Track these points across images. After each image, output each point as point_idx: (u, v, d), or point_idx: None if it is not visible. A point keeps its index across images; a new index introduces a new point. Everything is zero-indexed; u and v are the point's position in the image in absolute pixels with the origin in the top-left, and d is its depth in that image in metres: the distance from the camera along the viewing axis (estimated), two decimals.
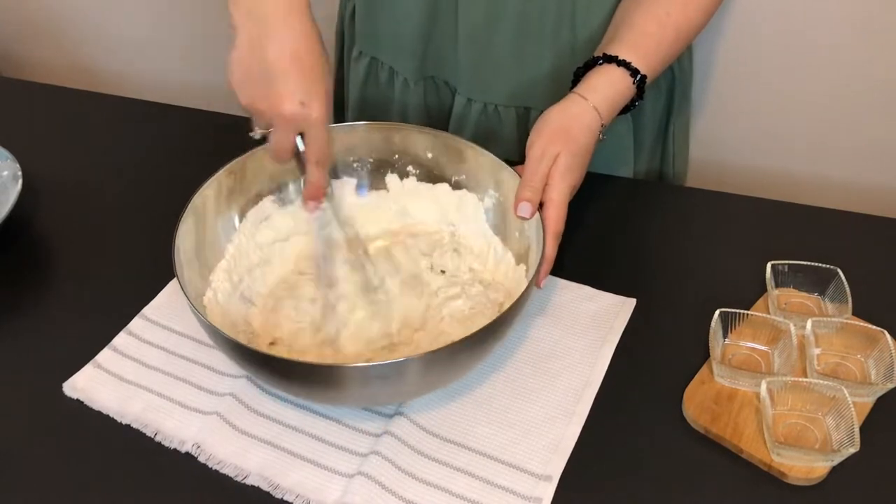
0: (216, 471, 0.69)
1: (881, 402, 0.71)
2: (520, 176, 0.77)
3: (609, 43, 0.83)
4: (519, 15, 0.91)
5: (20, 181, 0.90)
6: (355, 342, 0.76)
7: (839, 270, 0.78)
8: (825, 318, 0.75)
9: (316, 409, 0.73)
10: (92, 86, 1.38)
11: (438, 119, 1.05)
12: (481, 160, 0.82)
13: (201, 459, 0.70)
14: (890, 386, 0.70)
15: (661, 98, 1.02)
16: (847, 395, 0.67)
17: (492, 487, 0.67)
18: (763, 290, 0.80)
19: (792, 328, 0.73)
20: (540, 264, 0.72)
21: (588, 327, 0.79)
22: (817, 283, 0.79)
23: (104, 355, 0.77)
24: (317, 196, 0.75)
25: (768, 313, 0.77)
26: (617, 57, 0.80)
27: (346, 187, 0.88)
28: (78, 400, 0.74)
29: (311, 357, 0.74)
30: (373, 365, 0.64)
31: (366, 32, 1.04)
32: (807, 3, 1.08)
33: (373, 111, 1.08)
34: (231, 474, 0.68)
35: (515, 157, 0.80)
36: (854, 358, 0.74)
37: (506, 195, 0.80)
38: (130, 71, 1.61)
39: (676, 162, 1.08)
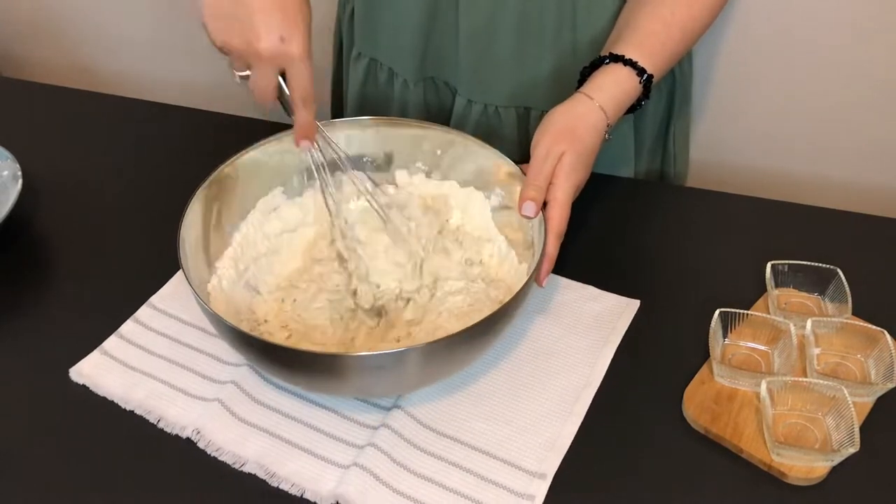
0: (214, 458, 0.69)
1: (881, 402, 0.71)
2: (524, 175, 0.77)
3: (614, 43, 0.83)
4: (519, 15, 0.91)
5: (20, 181, 0.90)
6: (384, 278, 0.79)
7: (839, 270, 0.78)
8: (825, 318, 0.75)
9: (315, 399, 0.73)
10: (92, 86, 1.38)
11: (438, 120, 1.05)
12: (489, 158, 0.82)
13: (200, 445, 0.70)
14: (890, 386, 0.70)
15: (662, 99, 1.02)
16: (847, 395, 0.67)
17: (486, 483, 0.67)
18: (763, 290, 0.80)
19: (792, 328, 0.73)
20: (540, 262, 0.72)
21: (590, 327, 0.79)
22: (817, 283, 0.79)
23: (111, 342, 0.79)
24: (308, 135, 0.75)
25: (768, 313, 0.77)
26: (623, 56, 0.80)
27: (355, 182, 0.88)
28: (80, 394, 0.74)
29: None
30: (372, 354, 0.64)
31: (365, 33, 1.04)
32: (807, 3, 1.08)
33: (372, 112, 1.08)
34: (229, 461, 0.69)
35: (515, 158, 0.80)
36: (854, 358, 0.74)
37: (512, 194, 0.80)
38: (130, 71, 1.61)
39: (677, 162, 1.08)
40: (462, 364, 0.71)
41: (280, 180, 0.86)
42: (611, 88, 0.80)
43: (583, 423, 0.71)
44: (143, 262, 0.87)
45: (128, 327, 0.80)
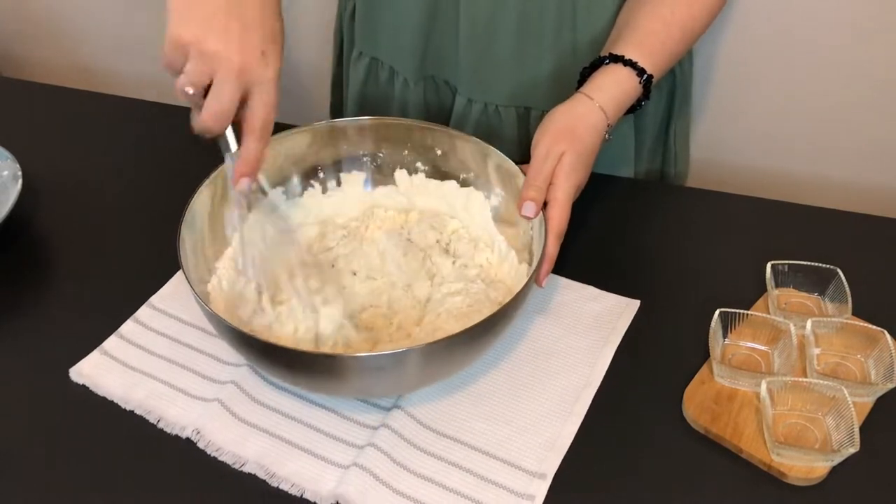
0: (214, 458, 0.69)
1: (881, 402, 0.71)
2: (524, 175, 0.77)
3: (614, 43, 0.83)
4: (519, 15, 0.91)
5: (20, 181, 0.90)
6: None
7: (839, 270, 0.78)
8: (825, 318, 0.75)
9: (315, 399, 0.73)
10: (92, 86, 1.38)
11: (438, 119, 1.05)
12: (489, 158, 0.82)
13: (200, 445, 0.70)
14: (890, 386, 0.70)
15: (662, 99, 1.02)
16: (847, 395, 0.67)
17: (486, 483, 0.67)
18: (763, 290, 0.80)
19: (792, 328, 0.73)
20: (541, 263, 0.72)
21: (590, 327, 0.79)
22: (817, 283, 0.79)
23: (111, 342, 0.79)
24: (251, 172, 0.66)
25: (768, 313, 0.77)
26: (623, 56, 0.80)
27: (354, 182, 0.88)
28: (80, 394, 0.74)
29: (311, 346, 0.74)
30: (371, 355, 0.64)
31: (365, 32, 1.04)
32: (807, 3, 1.08)
33: (373, 111, 1.08)
34: (229, 462, 0.69)
35: (515, 158, 0.80)
36: (854, 358, 0.74)
37: (512, 194, 0.80)
38: (130, 71, 1.61)
39: (677, 162, 1.08)
40: (462, 364, 0.71)
41: (280, 180, 0.86)
42: (611, 89, 0.80)
43: (583, 423, 0.71)
44: (143, 262, 0.87)
45: (128, 327, 0.80)
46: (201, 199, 0.77)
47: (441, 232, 0.85)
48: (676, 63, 0.90)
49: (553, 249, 0.73)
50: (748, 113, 1.21)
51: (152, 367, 0.76)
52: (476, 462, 0.68)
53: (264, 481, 0.68)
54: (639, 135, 1.03)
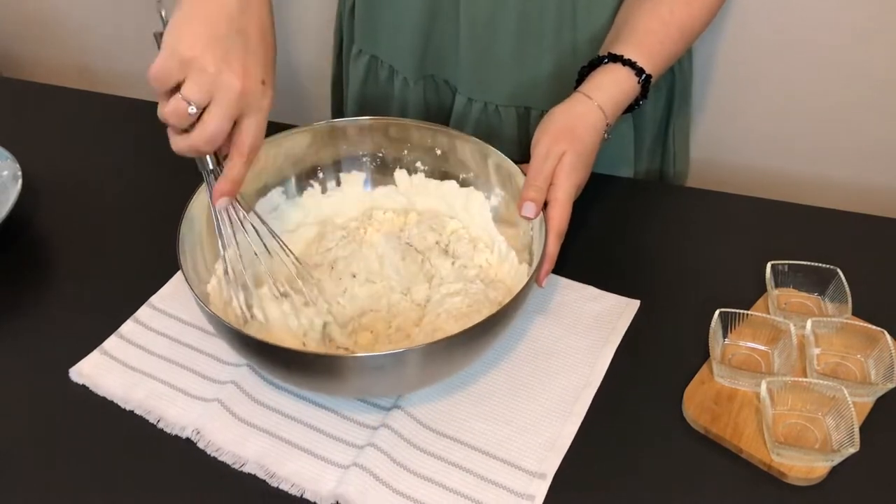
0: (214, 458, 0.69)
1: (881, 402, 0.71)
2: (524, 175, 0.77)
3: (613, 42, 0.83)
4: (520, 15, 0.91)
5: (20, 181, 0.90)
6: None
7: (839, 270, 0.78)
8: (825, 318, 0.75)
9: (315, 399, 0.73)
10: (92, 86, 1.38)
11: (438, 118, 1.05)
12: (489, 158, 0.82)
13: (200, 445, 0.70)
14: (890, 386, 0.70)
15: (662, 98, 1.02)
16: (847, 395, 0.67)
17: (486, 483, 0.67)
18: (763, 290, 0.80)
19: (792, 328, 0.73)
20: (541, 262, 0.72)
21: (590, 327, 0.79)
22: (817, 283, 0.79)
23: (111, 342, 0.79)
24: (232, 192, 0.66)
25: (768, 313, 0.77)
26: (622, 56, 0.80)
27: (354, 182, 0.88)
28: (80, 394, 0.74)
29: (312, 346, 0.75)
30: (371, 355, 0.64)
31: (365, 30, 1.04)
32: (807, 3, 1.08)
33: (372, 110, 1.08)
34: (229, 462, 0.69)
35: (515, 158, 0.80)
36: (854, 358, 0.74)
37: (512, 194, 0.80)
38: (130, 71, 1.61)
39: (677, 162, 1.08)
40: (462, 365, 0.71)
41: (279, 180, 0.86)
42: (609, 88, 0.80)
43: (583, 423, 0.71)
44: (143, 262, 0.87)
45: (128, 327, 0.80)
46: (201, 200, 0.77)
47: (440, 233, 0.85)
48: (675, 62, 0.90)
49: (553, 249, 0.73)
50: (748, 112, 1.21)
51: (152, 367, 0.76)
52: (476, 462, 0.68)
53: (264, 481, 0.68)
54: (638, 134, 1.03)
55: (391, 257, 0.81)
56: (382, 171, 0.88)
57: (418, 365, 0.66)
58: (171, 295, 0.83)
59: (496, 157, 0.81)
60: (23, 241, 0.90)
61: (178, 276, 0.84)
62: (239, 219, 0.71)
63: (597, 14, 0.91)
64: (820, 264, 0.79)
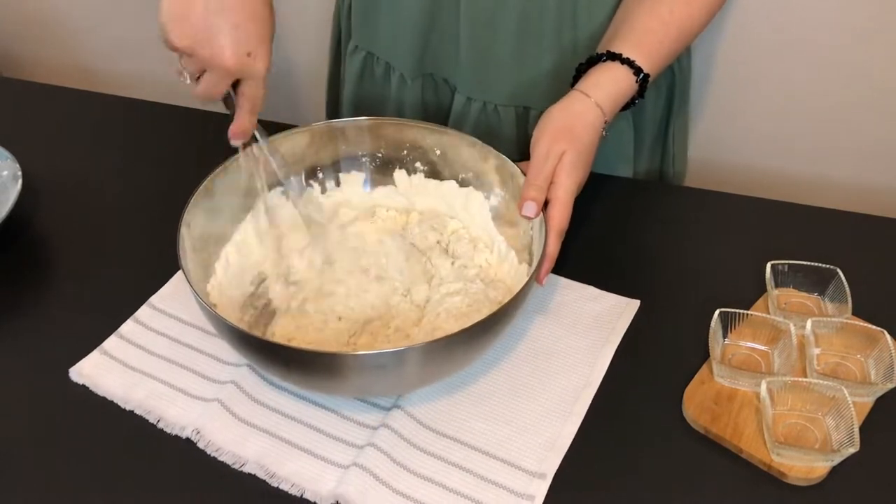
0: (214, 458, 0.69)
1: (881, 402, 0.71)
2: (524, 174, 0.77)
3: (611, 40, 0.83)
4: (520, 14, 0.91)
5: (20, 181, 0.90)
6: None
7: (839, 270, 0.78)
8: (825, 318, 0.75)
9: (315, 399, 0.73)
10: (92, 86, 1.38)
11: (436, 117, 1.05)
12: (489, 158, 0.82)
13: (200, 445, 0.70)
14: (890, 386, 0.70)
15: (661, 97, 1.02)
16: (847, 395, 0.67)
17: (486, 483, 0.67)
18: (763, 290, 0.80)
19: (792, 328, 0.73)
20: (541, 261, 0.72)
21: (590, 327, 0.79)
22: (817, 283, 0.79)
23: (111, 342, 0.79)
24: (243, 136, 0.76)
25: (768, 313, 0.77)
26: (620, 55, 0.80)
27: (353, 182, 0.88)
28: (80, 394, 0.74)
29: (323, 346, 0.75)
30: (371, 354, 0.64)
31: (363, 27, 1.04)
32: (806, 3, 1.08)
33: (368, 108, 1.08)
34: (229, 462, 0.69)
35: (514, 157, 0.80)
36: (854, 358, 0.74)
37: (512, 194, 0.80)
38: (130, 71, 1.61)
39: (676, 161, 1.08)
40: (462, 364, 0.71)
41: (278, 181, 0.86)
42: (607, 86, 0.80)
43: (583, 423, 0.71)
44: (143, 262, 0.87)
45: (128, 327, 0.80)
46: (201, 199, 0.77)
47: (441, 233, 0.85)
48: (674, 61, 0.90)
49: (554, 248, 0.73)
50: (747, 112, 1.21)
51: (152, 367, 0.76)
52: (476, 462, 0.68)
53: (264, 481, 0.68)
54: (638, 134, 1.03)
55: (395, 257, 0.81)
56: (382, 172, 0.88)
57: (418, 363, 0.66)
58: (171, 295, 0.83)
59: (496, 156, 0.81)
60: (23, 241, 0.91)
61: (178, 276, 0.84)
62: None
63: (597, 14, 0.91)
64: (820, 264, 0.79)
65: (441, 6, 0.95)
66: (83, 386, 0.75)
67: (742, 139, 1.24)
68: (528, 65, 0.95)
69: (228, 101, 0.73)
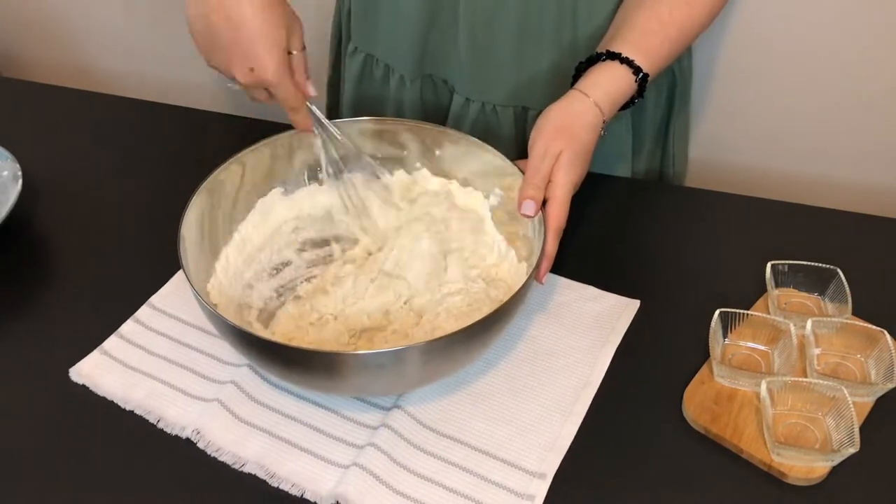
0: (214, 458, 0.70)
1: (881, 402, 0.71)
2: (522, 172, 0.77)
3: (611, 40, 0.83)
4: (520, 15, 0.91)
5: (20, 181, 0.90)
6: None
7: (839, 270, 0.78)
8: (825, 318, 0.75)
9: (315, 399, 0.73)
10: (92, 86, 1.38)
11: (435, 118, 1.05)
12: (489, 158, 0.82)
13: (200, 445, 0.70)
14: (890, 386, 0.70)
15: (662, 98, 1.02)
16: (847, 395, 0.67)
17: (486, 483, 0.67)
18: (763, 290, 0.80)
19: (792, 328, 0.73)
20: (540, 260, 0.72)
21: (590, 327, 0.79)
22: (817, 283, 0.79)
23: (111, 342, 0.79)
24: (306, 130, 0.82)
25: (768, 313, 0.77)
26: (620, 54, 0.80)
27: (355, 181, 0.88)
28: (80, 394, 0.74)
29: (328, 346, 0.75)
30: (371, 353, 0.64)
31: (362, 29, 1.04)
32: (807, 3, 1.08)
33: (368, 109, 1.08)
34: (229, 462, 0.69)
35: (512, 158, 0.80)
36: (854, 358, 0.74)
37: (511, 193, 0.80)
38: (130, 71, 1.61)
39: (676, 161, 1.08)
40: (462, 363, 0.71)
41: (279, 180, 0.86)
42: (606, 85, 0.80)
43: (583, 423, 0.71)
44: (143, 262, 0.87)
45: (128, 327, 0.80)
46: (201, 199, 0.77)
47: (444, 234, 0.85)
48: (674, 62, 0.90)
49: (552, 246, 0.73)
50: (747, 112, 1.21)
51: (152, 367, 0.76)
52: (476, 462, 0.68)
53: (264, 481, 0.68)
54: (638, 134, 1.03)
55: (420, 263, 0.80)
56: (382, 172, 0.88)
57: (418, 363, 0.66)
58: (171, 295, 0.83)
59: (495, 156, 0.81)
60: (23, 241, 0.91)
61: (178, 275, 0.84)
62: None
63: (597, 14, 0.91)
64: (820, 264, 0.79)
65: (440, 7, 0.95)
66: (83, 386, 0.75)
67: (742, 139, 1.24)
68: (528, 65, 0.95)
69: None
